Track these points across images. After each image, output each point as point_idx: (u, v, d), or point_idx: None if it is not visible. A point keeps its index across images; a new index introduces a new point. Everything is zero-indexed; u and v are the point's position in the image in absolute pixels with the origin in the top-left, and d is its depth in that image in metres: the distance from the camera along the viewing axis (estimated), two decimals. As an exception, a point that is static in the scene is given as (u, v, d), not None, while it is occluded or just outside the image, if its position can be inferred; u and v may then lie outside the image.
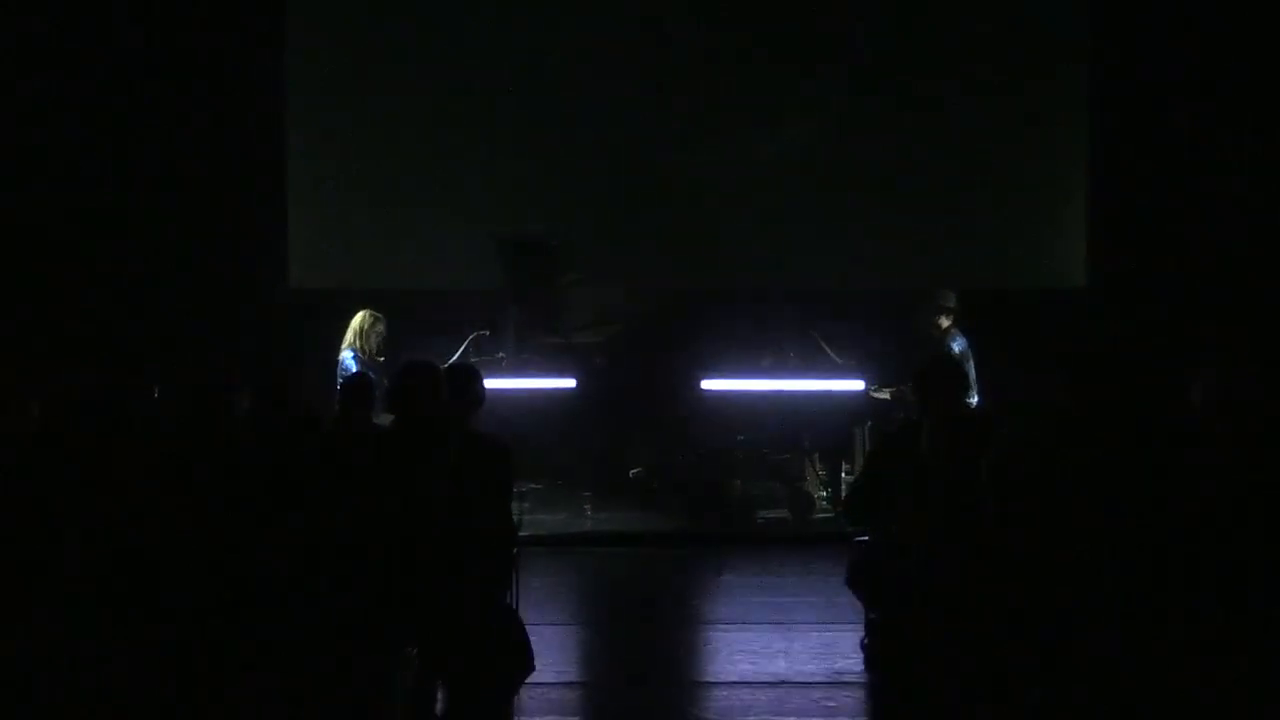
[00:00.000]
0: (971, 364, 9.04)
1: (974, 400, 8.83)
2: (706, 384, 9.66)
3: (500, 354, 9.82)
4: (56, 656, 5.01)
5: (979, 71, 10.95)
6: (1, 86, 10.60)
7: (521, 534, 6.25)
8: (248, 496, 5.24)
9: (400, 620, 5.25)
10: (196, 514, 5.20)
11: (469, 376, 6.02)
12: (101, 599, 5.07)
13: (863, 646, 6.30)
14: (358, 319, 9.33)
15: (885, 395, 9.52)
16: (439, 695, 5.49)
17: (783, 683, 6.22)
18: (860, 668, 6.23)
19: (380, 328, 9.33)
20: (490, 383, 6.22)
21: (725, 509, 9.61)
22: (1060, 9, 11.09)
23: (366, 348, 9.23)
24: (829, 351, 9.74)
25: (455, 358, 9.13)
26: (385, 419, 6.56)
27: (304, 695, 5.03)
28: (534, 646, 5.49)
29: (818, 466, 9.98)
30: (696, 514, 9.54)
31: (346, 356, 9.21)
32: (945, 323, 9.49)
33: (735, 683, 6.27)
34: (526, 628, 5.56)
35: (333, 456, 5.61)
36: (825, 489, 9.84)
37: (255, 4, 10.90)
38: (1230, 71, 10.66)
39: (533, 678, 5.53)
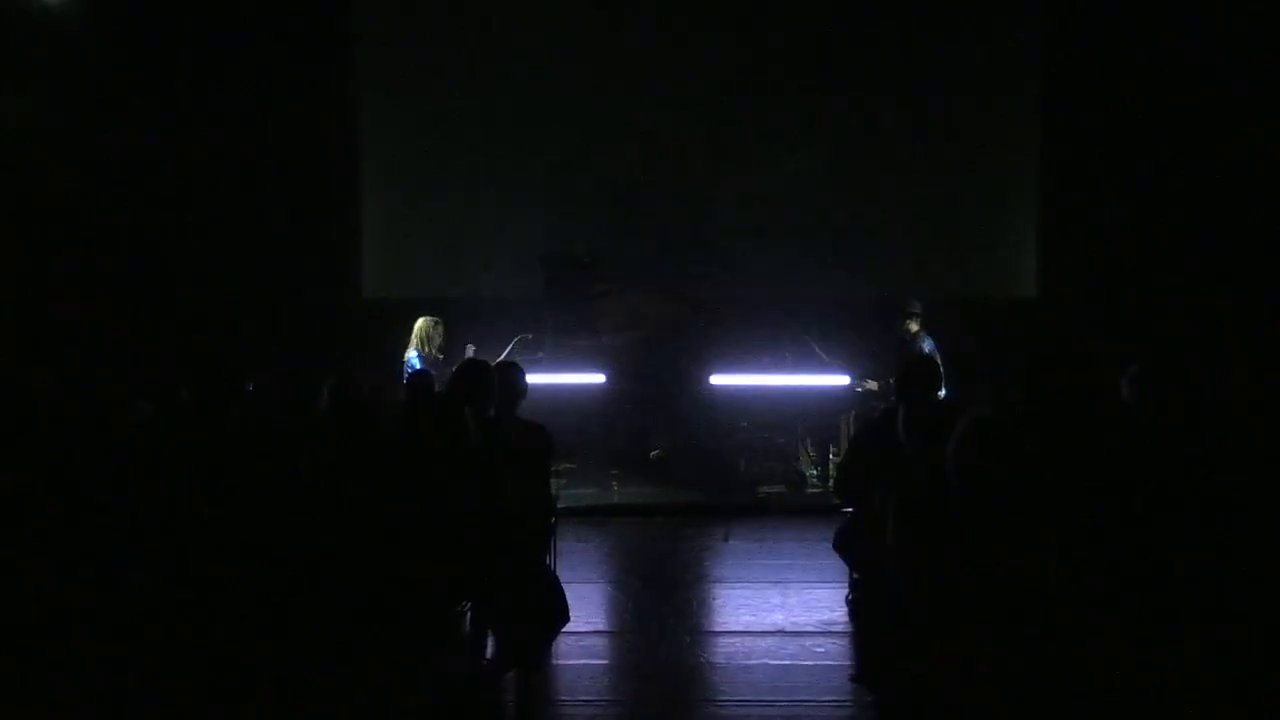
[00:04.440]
0: (939, 362, 9.00)
1: (942, 394, 8.78)
2: (716, 379, 9.63)
3: (540, 353, 9.78)
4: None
5: (942, 109, 11.04)
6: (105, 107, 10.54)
7: (559, 506, 6.26)
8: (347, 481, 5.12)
9: (457, 580, 5.24)
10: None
11: (514, 373, 6.03)
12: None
13: (848, 602, 6.31)
14: (420, 324, 9.24)
15: (874, 386, 9.47)
16: (489, 643, 5.49)
17: (780, 632, 6.22)
18: (846, 619, 6.25)
19: (440, 331, 9.28)
20: (532, 378, 6.22)
21: (731, 485, 9.58)
22: (1012, 45, 11.12)
23: (428, 349, 9.20)
24: (819, 351, 9.73)
25: (502, 356, 9.11)
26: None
27: (378, 645, 4.99)
28: (569, 601, 5.51)
29: (809, 449, 9.98)
30: (706, 489, 9.52)
31: (411, 357, 9.15)
32: (914, 327, 9.45)
33: (739, 632, 6.29)
34: (563, 585, 5.58)
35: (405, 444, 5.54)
36: (815, 468, 9.83)
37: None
38: (1174, 95, 10.47)
39: (568, 627, 5.55)
